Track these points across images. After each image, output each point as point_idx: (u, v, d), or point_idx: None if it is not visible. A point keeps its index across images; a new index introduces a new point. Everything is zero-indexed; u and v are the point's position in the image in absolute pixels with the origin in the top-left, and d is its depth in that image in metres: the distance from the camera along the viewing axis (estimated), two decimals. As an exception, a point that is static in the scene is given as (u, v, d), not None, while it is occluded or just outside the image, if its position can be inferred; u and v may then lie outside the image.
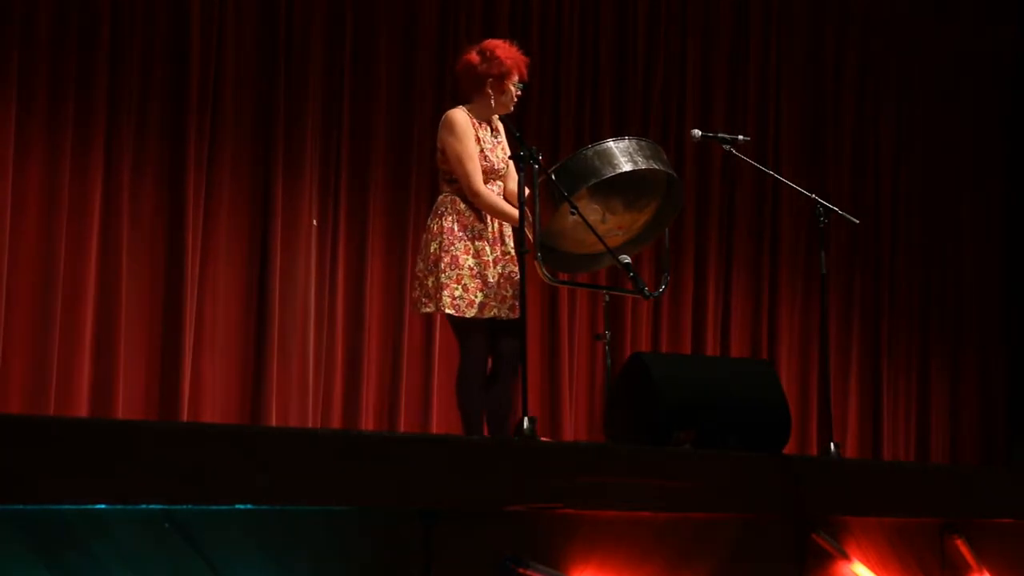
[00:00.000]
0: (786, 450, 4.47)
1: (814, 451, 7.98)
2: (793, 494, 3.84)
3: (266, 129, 6.32)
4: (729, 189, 8.09)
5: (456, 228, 4.70)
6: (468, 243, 4.68)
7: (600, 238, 4.43)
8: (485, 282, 4.66)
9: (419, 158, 6.81)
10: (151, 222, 5.97)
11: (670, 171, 4.70)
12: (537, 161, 4.35)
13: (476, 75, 4.82)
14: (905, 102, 9.03)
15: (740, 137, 5.06)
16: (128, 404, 5.78)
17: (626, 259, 4.38)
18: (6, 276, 5.54)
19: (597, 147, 4.55)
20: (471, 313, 4.64)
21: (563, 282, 5.02)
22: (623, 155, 4.54)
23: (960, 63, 9.32)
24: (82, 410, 5.63)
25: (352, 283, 6.56)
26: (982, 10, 9.33)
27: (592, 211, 4.60)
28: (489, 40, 4.93)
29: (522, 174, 4.33)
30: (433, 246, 4.71)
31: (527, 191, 4.39)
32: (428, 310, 4.72)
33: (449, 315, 4.67)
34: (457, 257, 4.67)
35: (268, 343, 6.16)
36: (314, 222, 6.38)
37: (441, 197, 4.81)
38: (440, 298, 4.64)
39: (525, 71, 4.84)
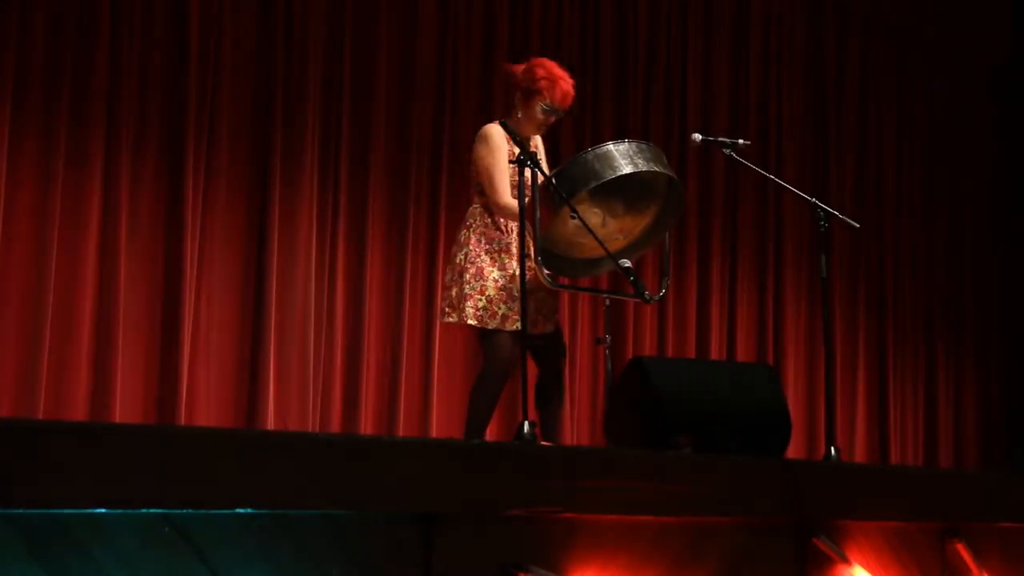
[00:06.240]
0: (795, 455, 4.47)
1: (822, 456, 7.97)
2: (793, 498, 3.84)
3: (264, 129, 6.33)
4: (732, 192, 8.09)
5: (483, 241, 4.71)
6: (495, 256, 4.69)
7: (600, 242, 4.43)
8: (510, 295, 4.65)
9: (419, 158, 6.82)
10: (149, 223, 5.97)
11: (671, 174, 4.70)
12: (536, 165, 4.36)
13: (512, 85, 4.86)
14: (906, 103, 9.04)
15: (740, 141, 5.05)
16: (125, 407, 5.77)
17: (626, 263, 4.37)
18: (2, 278, 5.54)
19: (597, 150, 4.54)
20: (493, 325, 4.65)
21: (564, 286, 5.00)
22: (623, 158, 4.53)
23: (961, 63, 9.32)
24: (79, 414, 5.63)
25: (351, 285, 6.56)
26: (982, 11, 9.34)
27: (593, 215, 4.60)
28: (540, 58, 4.90)
29: (521, 178, 4.33)
30: (459, 257, 4.73)
31: (527, 195, 4.39)
32: (451, 320, 4.72)
33: (471, 325, 4.68)
34: (483, 269, 4.68)
35: (266, 346, 6.16)
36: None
37: (471, 208, 4.82)
38: (463, 308, 4.65)
39: (559, 98, 4.76)
